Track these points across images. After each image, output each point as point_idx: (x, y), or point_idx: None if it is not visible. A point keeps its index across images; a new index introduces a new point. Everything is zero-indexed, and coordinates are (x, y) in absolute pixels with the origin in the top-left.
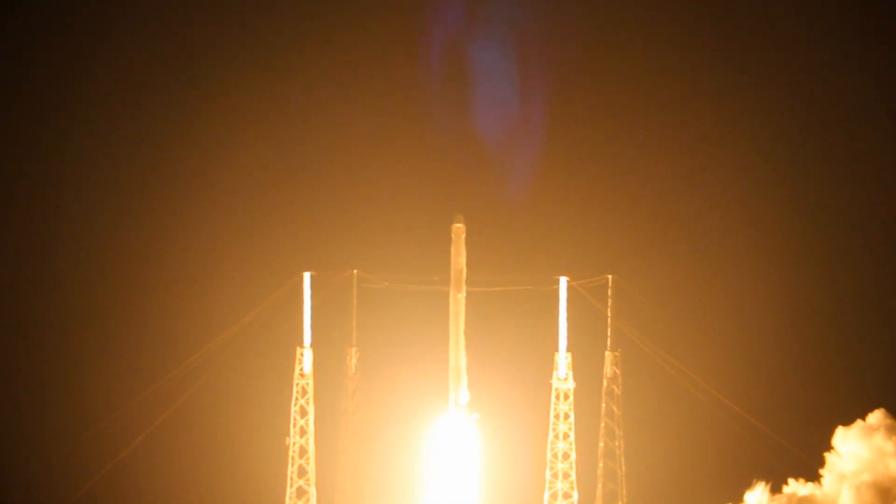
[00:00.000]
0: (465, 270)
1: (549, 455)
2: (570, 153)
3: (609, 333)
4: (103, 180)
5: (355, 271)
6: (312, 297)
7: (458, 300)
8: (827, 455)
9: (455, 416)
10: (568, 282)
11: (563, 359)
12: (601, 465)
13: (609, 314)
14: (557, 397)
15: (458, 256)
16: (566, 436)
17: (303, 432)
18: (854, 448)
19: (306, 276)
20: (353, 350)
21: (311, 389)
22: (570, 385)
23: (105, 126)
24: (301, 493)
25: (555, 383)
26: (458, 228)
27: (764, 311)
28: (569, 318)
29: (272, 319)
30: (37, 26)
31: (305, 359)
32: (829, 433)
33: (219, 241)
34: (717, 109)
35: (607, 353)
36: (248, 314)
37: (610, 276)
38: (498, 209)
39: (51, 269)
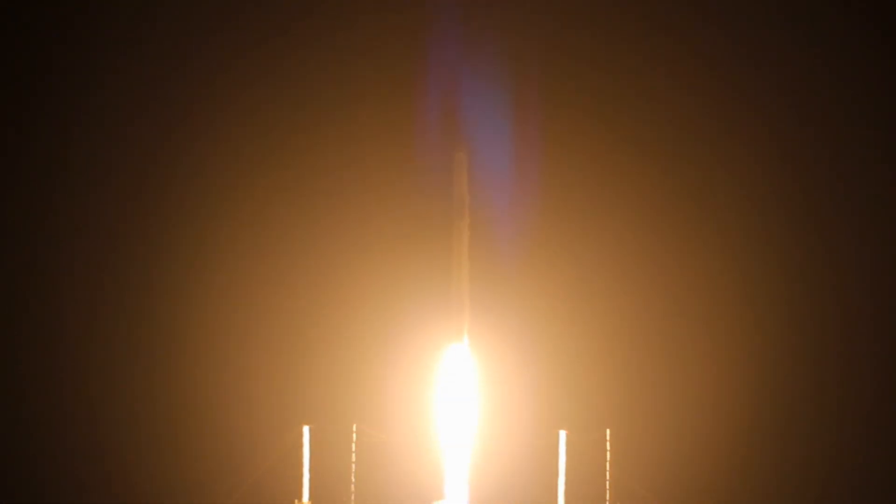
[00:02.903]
0: (467, 198)
1: None
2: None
3: (608, 487)
4: (101, 333)
5: (354, 426)
6: (311, 449)
7: (460, 229)
8: None
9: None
10: (567, 436)
11: None
12: None
13: (608, 469)
14: None
15: (461, 185)
16: None
17: None
18: None
19: (305, 429)
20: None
21: None
22: None
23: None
24: None
25: None
26: (460, 157)
27: (762, 453)
28: (567, 471)
29: (269, 473)
30: (37, 26)
31: None
32: None
33: (214, 392)
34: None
35: None
36: (248, 471)
37: (608, 430)
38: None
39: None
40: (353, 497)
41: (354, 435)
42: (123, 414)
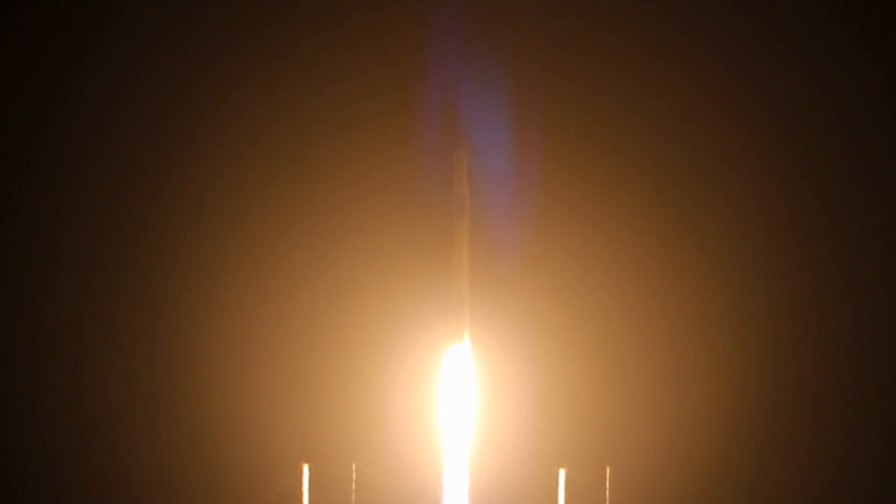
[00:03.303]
0: (468, 197)
1: None
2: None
3: None
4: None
5: (354, 465)
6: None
7: (460, 228)
8: None
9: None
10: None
11: None
12: None
13: None
14: None
15: (461, 184)
16: None
17: None
18: None
19: (305, 468)
20: None
21: None
22: None
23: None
24: None
25: None
26: (461, 155)
27: (772, 492)
28: None
29: None
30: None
31: None
32: None
33: (208, 427)
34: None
35: None
36: None
37: (608, 468)
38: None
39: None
40: None
41: (354, 474)
42: (114, 454)
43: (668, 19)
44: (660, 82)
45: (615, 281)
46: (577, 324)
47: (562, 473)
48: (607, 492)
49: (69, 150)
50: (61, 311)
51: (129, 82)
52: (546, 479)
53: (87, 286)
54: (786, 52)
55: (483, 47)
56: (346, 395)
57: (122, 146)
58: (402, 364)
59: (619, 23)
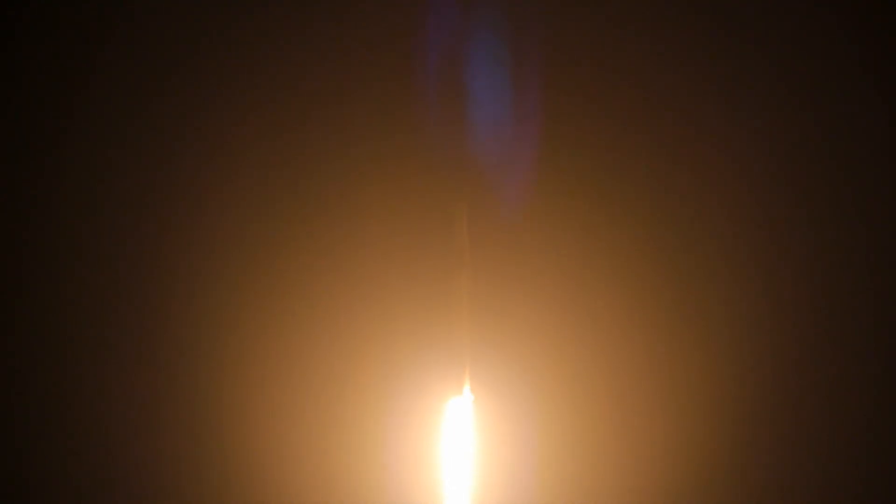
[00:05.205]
0: (468, 250)
1: None
2: None
3: None
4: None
5: None
6: None
7: (460, 281)
8: None
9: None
10: None
11: None
12: None
13: None
14: None
15: (461, 236)
16: None
17: None
18: None
19: None
20: None
21: None
22: None
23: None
24: None
25: None
26: (460, 207)
27: None
28: None
29: None
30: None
31: None
32: None
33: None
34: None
35: None
36: None
37: None
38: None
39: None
40: None
41: None
42: (112, 455)
43: (677, 10)
44: (667, 86)
45: (624, 330)
46: (582, 376)
47: None
48: None
49: (72, 149)
50: (62, 310)
51: (134, 81)
52: None
53: (87, 286)
54: (788, 50)
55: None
56: (343, 453)
57: (124, 145)
58: (400, 420)
59: (622, 22)
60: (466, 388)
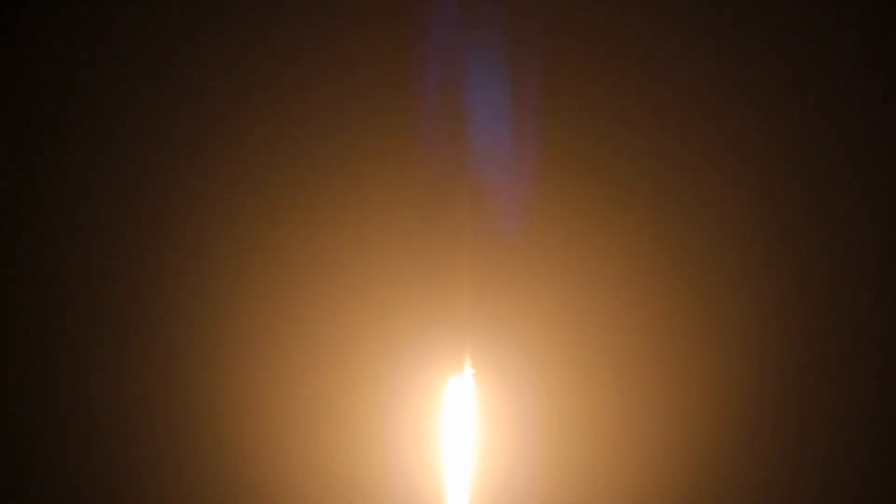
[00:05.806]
0: (469, 227)
1: None
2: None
3: None
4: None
5: None
6: None
7: (461, 259)
8: None
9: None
10: None
11: None
12: None
13: None
14: None
15: (462, 215)
16: None
17: None
18: None
19: None
20: None
21: None
22: None
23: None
24: None
25: None
26: (462, 189)
27: None
28: None
29: None
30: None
31: None
32: None
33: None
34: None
35: None
36: None
37: None
38: None
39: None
40: None
41: None
42: (112, 454)
43: (679, 9)
44: (668, 75)
45: (628, 317)
46: (585, 362)
47: None
48: None
49: (74, 149)
50: (62, 311)
51: (135, 80)
52: None
53: (87, 286)
54: (791, 49)
55: (484, 45)
56: (344, 432)
57: (123, 147)
58: (402, 398)
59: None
60: (467, 365)
